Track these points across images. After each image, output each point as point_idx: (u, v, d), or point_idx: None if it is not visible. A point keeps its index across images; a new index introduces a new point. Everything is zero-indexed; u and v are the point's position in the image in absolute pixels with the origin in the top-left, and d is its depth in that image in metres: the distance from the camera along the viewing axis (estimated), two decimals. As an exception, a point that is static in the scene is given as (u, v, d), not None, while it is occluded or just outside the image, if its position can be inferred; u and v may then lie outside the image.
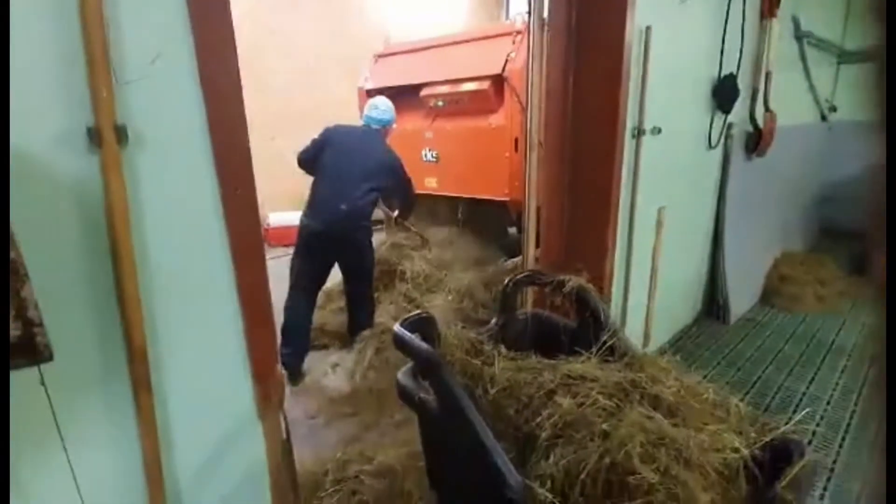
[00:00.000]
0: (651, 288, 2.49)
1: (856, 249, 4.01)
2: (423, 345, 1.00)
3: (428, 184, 3.68)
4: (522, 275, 1.45)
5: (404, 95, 3.64)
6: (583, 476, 0.81)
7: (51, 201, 0.74)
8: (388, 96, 3.87)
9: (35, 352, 0.74)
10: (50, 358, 0.75)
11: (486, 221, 3.79)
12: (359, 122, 4.11)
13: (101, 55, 0.72)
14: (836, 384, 2.39)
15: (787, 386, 2.36)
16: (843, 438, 1.99)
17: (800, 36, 3.48)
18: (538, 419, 0.94)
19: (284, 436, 1.12)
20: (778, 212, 3.72)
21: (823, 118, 4.46)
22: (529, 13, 2.18)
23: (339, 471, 1.83)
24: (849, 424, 2.08)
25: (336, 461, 1.88)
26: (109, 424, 0.85)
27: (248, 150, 0.93)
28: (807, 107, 4.08)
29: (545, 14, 2.04)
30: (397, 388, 1.12)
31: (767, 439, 0.92)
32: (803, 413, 2.13)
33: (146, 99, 0.79)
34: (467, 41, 3.45)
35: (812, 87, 3.99)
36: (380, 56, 3.95)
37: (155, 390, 0.87)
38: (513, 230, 3.72)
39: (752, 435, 0.93)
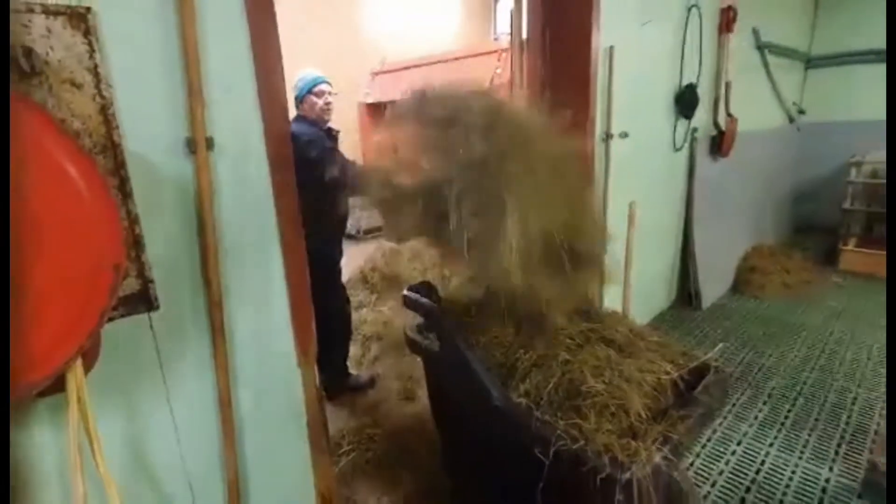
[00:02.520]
0: (626, 276, 2.78)
1: (826, 243, 4.34)
2: (428, 301, 1.29)
3: (425, 189, 3.99)
4: None
5: (402, 108, 3.97)
6: (549, 388, 1.10)
7: (161, 192, 1.02)
8: (387, 109, 4.20)
9: (149, 302, 1.02)
10: (158, 307, 1.04)
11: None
12: (357, 130, 4.42)
13: (196, 86, 1.01)
14: (795, 356, 2.68)
15: (747, 360, 2.65)
16: (796, 398, 2.28)
17: (760, 47, 3.83)
18: (517, 356, 1.23)
19: (318, 384, 1.39)
20: (748, 208, 4.03)
21: (791, 120, 4.80)
22: (511, 35, 2.51)
23: (353, 434, 2.11)
24: (800, 391, 2.37)
25: (350, 429, 2.16)
26: (194, 360, 1.13)
27: (290, 154, 1.22)
28: (773, 110, 4.42)
29: (524, 35, 2.37)
30: (406, 341, 1.41)
31: (693, 364, 1.21)
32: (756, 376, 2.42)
33: (224, 117, 1.08)
34: (458, 59, 3.78)
35: (777, 93, 4.33)
36: (377, 73, 4.29)
37: (226, 337, 1.15)
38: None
39: (681, 362, 1.22)
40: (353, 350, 2.88)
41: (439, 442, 1.68)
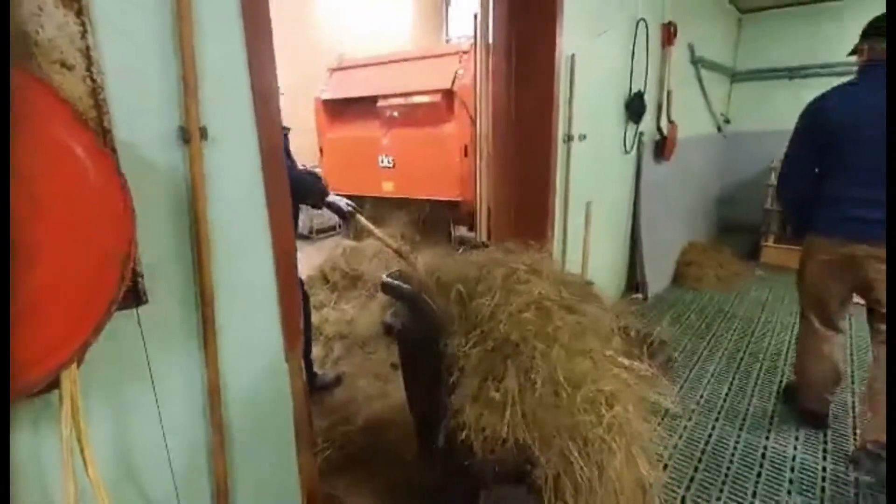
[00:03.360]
0: (583, 271, 2.95)
1: (749, 240, 4.81)
2: (405, 285, 1.39)
3: (385, 187, 3.99)
4: (473, 244, 1.88)
5: (361, 105, 3.95)
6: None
7: (152, 181, 0.99)
8: (346, 106, 4.16)
9: (138, 296, 0.99)
10: (146, 301, 1.00)
11: (437, 221, 4.14)
12: (313, 129, 4.34)
13: (191, 74, 0.99)
14: (730, 340, 2.97)
15: (690, 346, 2.90)
16: (733, 378, 2.54)
17: (695, 61, 4.19)
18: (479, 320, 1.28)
19: (304, 377, 1.39)
20: (685, 208, 4.40)
21: (719, 129, 5.28)
22: (475, 38, 2.59)
23: (326, 432, 2.09)
24: (736, 371, 2.64)
25: (322, 428, 2.13)
26: (182, 354, 1.10)
27: (280, 145, 1.22)
28: (705, 119, 4.84)
29: (490, 40, 2.46)
30: (384, 327, 1.47)
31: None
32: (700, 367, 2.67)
33: (217, 108, 1.06)
34: (419, 58, 3.82)
35: (708, 103, 4.75)
36: (335, 69, 4.23)
37: (216, 330, 1.13)
38: (462, 229, 4.12)
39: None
40: (316, 350, 2.84)
41: (415, 428, 1.72)
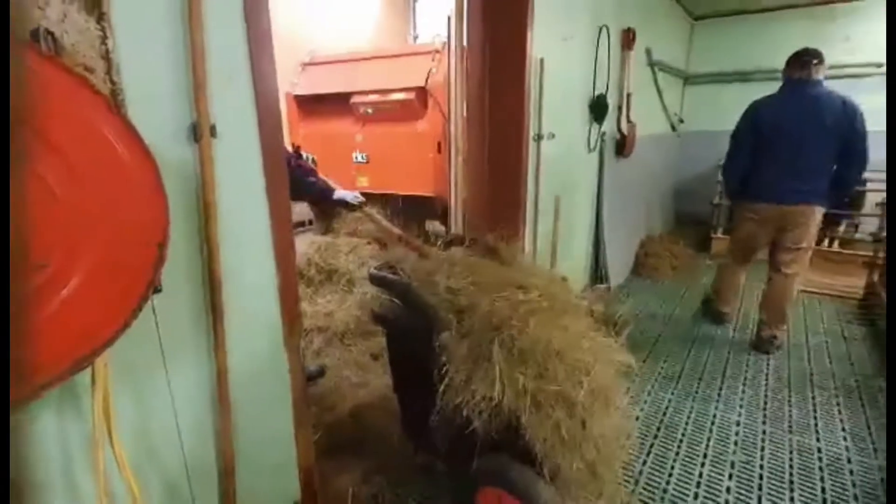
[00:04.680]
0: (552, 262, 3.13)
1: (700, 232, 5.17)
2: (394, 276, 1.48)
3: (359, 183, 4.05)
4: (451, 237, 2.01)
5: (334, 102, 3.98)
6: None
7: (165, 177, 1.05)
8: (319, 101, 4.18)
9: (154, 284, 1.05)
10: (161, 290, 1.07)
11: (410, 216, 4.24)
12: (285, 122, 4.32)
13: (202, 77, 1.06)
14: (684, 324, 3.24)
15: (649, 330, 3.15)
16: (687, 356, 2.78)
17: (651, 64, 4.46)
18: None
19: (301, 362, 1.47)
20: (643, 202, 4.68)
21: (674, 129, 5.62)
22: (449, 38, 2.71)
23: (316, 419, 2.16)
24: (689, 350, 2.89)
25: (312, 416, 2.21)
26: (193, 341, 1.17)
27: (282, 144, 1.30)
28: (661, 120, 5.15)
29: (464, 41, 2.58)
30: (371, 316, 1.60)
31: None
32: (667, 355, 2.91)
33: (224, 107, 1.13)
34: (393, 56, 3.89)
35: (664, 104, 5.06)
36: (307, 64, 4.23)
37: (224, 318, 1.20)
38: (434, 223, 4.23)
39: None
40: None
41: (400, 411, 1.84)
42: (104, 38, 0.93)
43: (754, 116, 2.70)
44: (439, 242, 1.91)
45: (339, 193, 2.31)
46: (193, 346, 1.18)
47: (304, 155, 2.46)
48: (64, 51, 0.88)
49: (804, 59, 2.58)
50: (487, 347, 1.23)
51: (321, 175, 2.42)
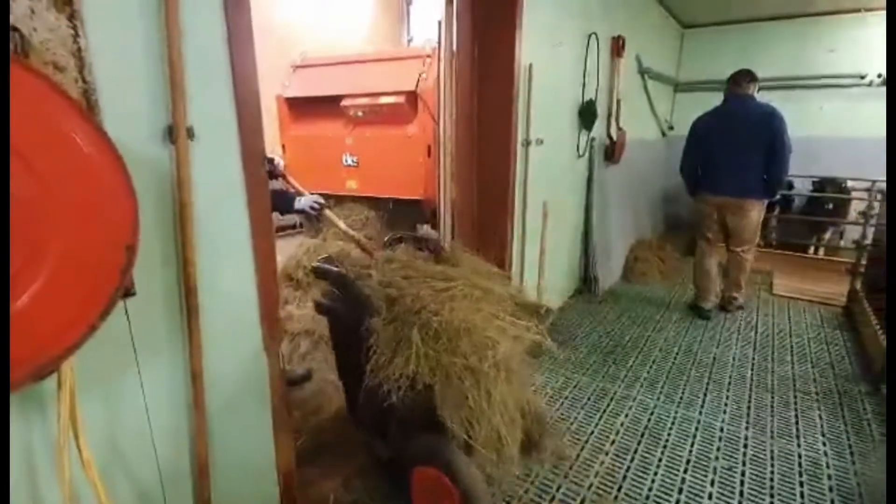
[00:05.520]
0: (541, 267, 3.14)
1: (688, 237, 5.20)
2: (334, 268, 1.61)
3: (349, 186, 4.04)
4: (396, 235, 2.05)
5: (325, 104, 3.97)
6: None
7: (139, 178, 1.03)
8: (309, 104, 4.17)
9: (126, 290, 1.04)
10: (134, 293, 1.06)
11: (399, 219, 4.23)
12: (276, 127, 4.32)
13: (179, 77, 1.04)
14: (671, 328, 3.26)
15: (637, 335, 3.16)
16: (673, 360, 2.80)
17: (642, 71, 4.50)
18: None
19: (281, 367, 1.46)
20: (632, 207, 4.70)
21: (664, 134, 5.67)
22: (439, 44, 2.71)
23: (298, 423, 2.15)
24: (676, 355, 2.90)
25: (294, 420, 2.18)
26: (168, 344, 1.15)
27: (263, 149, 1.29)
28: (651, 126, 5.19)
29: (454, 47, 2.58)
30: (315, 306, 1.74)
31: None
32: (652, 355, 2.92)
33: (202, 109, 1.12)
34: (384, 60, 3.89)
35: (653, 110, 5.10)
36: (298, 66, 4.22)
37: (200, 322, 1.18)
38: (425, 227, 4.23)
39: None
40: (283, 347, 2.87)
41: (344, 393, 1.92)
42: (76, 36, 0.92)
43: (696, 125, 3.35)
44: (386, 239, 1.98)
45: (299, 204, 2.29)
46: (168, 350, 1.16)
47: (275, 159, 2.41)
48: (32, 48, 0.86)
49: (738, 78, 3.18)
50: (408, 330, 1.35)
51: (290, 179, 2.37)
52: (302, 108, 4.15)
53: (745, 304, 3.58)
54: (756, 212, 3.21)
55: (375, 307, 1.41)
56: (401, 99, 3.59)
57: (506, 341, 1.33)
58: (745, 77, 3.16)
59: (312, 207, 2.28)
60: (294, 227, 6.12)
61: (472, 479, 1.36)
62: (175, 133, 1.06)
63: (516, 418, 1.37)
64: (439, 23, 2.69)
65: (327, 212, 2.31)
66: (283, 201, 2.29)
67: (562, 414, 2.28)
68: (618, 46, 3.63)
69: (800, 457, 2.00)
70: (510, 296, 1.57)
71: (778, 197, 4.05)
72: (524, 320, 1.48)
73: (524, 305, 1.57)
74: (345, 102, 3.82)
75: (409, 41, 7.98)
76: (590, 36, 3.16)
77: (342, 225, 2.35)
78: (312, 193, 2.38)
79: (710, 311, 3.46)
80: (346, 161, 3.97)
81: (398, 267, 1.55)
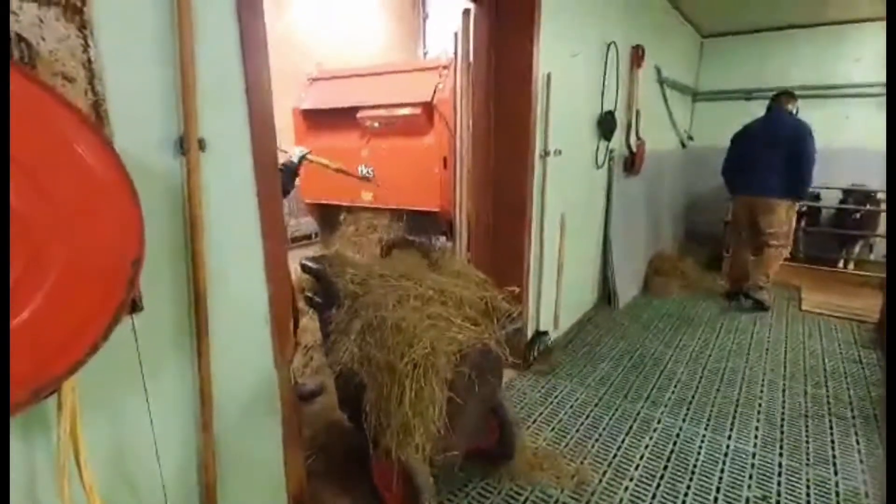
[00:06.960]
0: (558, 281, 3.06)
1: (711, 250, 5.06)
2: (317, 265, 1.73)
3: (364, 197, 4.02)
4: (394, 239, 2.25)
5: (341, 116, 3.98)
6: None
7: (149, 190, 1.01)
8: (325, 116, 4.19)
9: (133, 303, 1.01)
10: (142, 308, 1.02)
11: (415, 230, 4.18)
12: (292, 137, 4.35)
13: (191, 91, 1.02)
14: (695, 346, 3.13)
15: (659, 351, 3.05)
16: (700, 380, 2.68)
17: (661, 81, 4.42)
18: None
19: (293, 383, 1.41)
20: (652, 220, 4.59)
21: (683, 145, 5.56)
22: (455, 55, 2.68)
23: (309, 441, 2.09)
24: (702, 374, 2.78)
25: (305, 437, 2.13)
26: (176, 361, 1.11)
27: (276, 162, 1.26)
28: (670, 136, 5.09)
29: (471, 58, 2.55)
30: (306, 302, 1.86)
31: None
32: (676, 376, 2.80)
33: (214, 120, 1.09)
34: (400, 72, 3.89)
35: (673, 121, 5.01)
36: (314, 79, 4.25)
37: (209, 336, 1.14)
38: (441, 239, 4.18)
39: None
40: (295, 360, 2.83)
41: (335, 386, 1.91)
42: (86, 47, 0.90)
43: (738, 132, 3.87)
44: (383, 244, 2.22)
45: (292, 166, 2.35)
46: (176, 365, 1.12)
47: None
48: (40, 58, 0.84)
49: (780, 97, 3.73)
50: (355, 322, 1.46)
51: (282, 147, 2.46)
52: (318, 120, 4.16)
53: (769, 305, 3.75)
54: (783, 209, 3.61)
55: (341, 299, 1.57)
56: (417, 110, 3.56)
57: (436, 342, 1.38)
58: (786, 96, 3.73)
59: (301, 151, 2.39)
60: (310, 237, 6.15)
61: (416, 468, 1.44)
62: (186, 144, 1.04)
63: (428, 414, 1.41)
64: (455, 34, 2.68)
65: (310, 155, 2.47)
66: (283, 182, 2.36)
67: (582, 434, 2.18)
68: (637, 56, 3.57)
69: (836, 485, 1.88)
70: (480, 300, 1.63)
71: (803, 200, 4.18)
72: (481, 325, 1.56)
73: (494, 311, 1.64)
74: (360, 114, 3.82)
75: (425, 54, 8.02)
76: (609, 45, 3.11)
77: (324, 161, 2.61)
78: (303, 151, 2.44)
79: (739, 293, 3.87)
80: (363, 172, 3.96)
81: (381, 267, 1.72)
